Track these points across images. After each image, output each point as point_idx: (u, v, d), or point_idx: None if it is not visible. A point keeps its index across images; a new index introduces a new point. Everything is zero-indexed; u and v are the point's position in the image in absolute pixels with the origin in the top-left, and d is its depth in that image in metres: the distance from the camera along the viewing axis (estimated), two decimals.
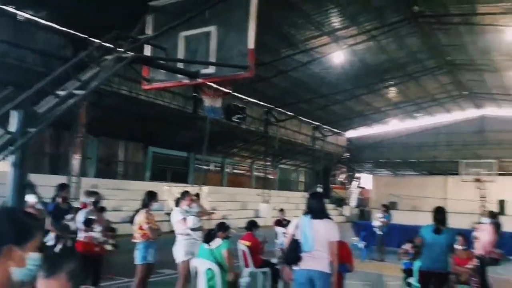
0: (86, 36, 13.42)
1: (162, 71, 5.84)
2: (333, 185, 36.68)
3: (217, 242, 5.95)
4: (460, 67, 22.72)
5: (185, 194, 7.08)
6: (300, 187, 34.91)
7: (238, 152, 27.50)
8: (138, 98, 17.20)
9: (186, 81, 5.91)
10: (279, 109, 25.78)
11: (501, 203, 28.63)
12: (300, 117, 28.49)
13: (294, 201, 27.69)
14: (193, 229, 6.55)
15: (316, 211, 4.89)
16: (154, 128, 20.11)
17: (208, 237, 6.10)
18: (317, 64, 19.85)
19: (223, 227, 6.21)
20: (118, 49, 5.13)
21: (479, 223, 9.23)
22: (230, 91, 18.24)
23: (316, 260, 4.69)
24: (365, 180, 38.66)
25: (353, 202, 33.82)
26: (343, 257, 5.43)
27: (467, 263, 7.12)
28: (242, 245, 7.72)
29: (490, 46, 18.42)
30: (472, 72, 23.15)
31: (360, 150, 36.69)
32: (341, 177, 38.57)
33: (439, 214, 6.26)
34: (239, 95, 22.03)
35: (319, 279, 4.66)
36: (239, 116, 21.46)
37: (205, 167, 24.54)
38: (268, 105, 25.09)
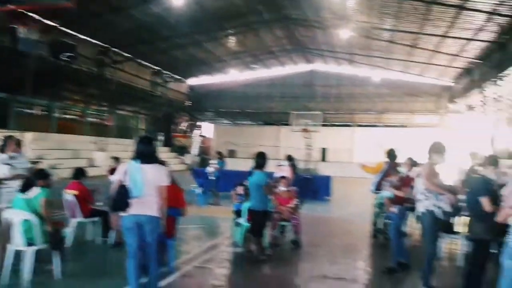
0: None
1: None
2: (175, 133, 36.49)
3: (35, 191, 5.38)
4: (295, 22, 24.09)
5: (8, 139, 6.19)
6: (140, 135, 33.88)
7: (69, 96, 25.01)
8: None
9: None
10: (116, 49, 24.08)
11: (323, 150, 32.39)
12: (139, 60, 27.16)
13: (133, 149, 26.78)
14: (4, 179, 5.72)
15: (145, 155, 4.67)
16: None
17: (25, 186, 5.45)
18: (156, 4, 18.93)
19: (42, 175, 5.61)
20: None
21: (280, 165, 10.38)
22: (57, 25, 16.32)
23: (145, 205, 4.54)
24: (207, 128, 39.41)
25: (194, 150, 34.18)
26: (175, 201, 5.38)
27: (289, 203, 7.79)
28: (68, 195, 7.17)
29: (322, 4, 19.82)
30: (305, 28, 24.80)
31: (202, 98, 37.06)
32: (183, 126, 38.55)
33: (256, 158, 6.81)
34: (70, 31, 19.81)
35: (148, 223, 4.55)
36: (68, 54, 19.28)
37: (28, 111, 21.87)
38: (104, 45, 23.22)
